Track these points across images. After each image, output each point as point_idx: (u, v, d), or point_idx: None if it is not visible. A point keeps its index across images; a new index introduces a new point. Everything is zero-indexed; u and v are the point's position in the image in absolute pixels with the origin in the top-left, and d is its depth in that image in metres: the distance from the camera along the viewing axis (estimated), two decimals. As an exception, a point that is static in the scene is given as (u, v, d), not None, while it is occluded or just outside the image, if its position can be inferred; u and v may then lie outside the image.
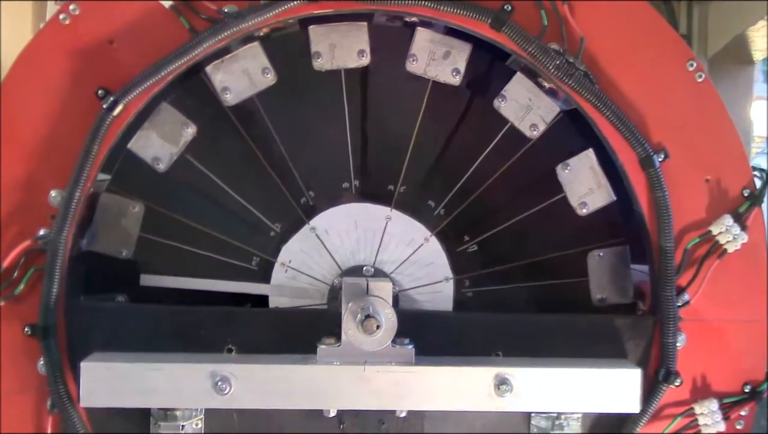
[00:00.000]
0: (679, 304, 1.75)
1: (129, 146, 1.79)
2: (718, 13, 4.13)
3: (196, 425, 1.74)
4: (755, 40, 3.87)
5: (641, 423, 1.75)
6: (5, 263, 1.69)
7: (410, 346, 1.67)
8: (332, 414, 1.74)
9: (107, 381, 1.63)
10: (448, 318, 1.84)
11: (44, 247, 1.69)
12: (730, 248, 1.75)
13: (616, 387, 1.69)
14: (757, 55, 3.94)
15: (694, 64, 1.76)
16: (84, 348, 1.69)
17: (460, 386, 1.66)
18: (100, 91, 1.70)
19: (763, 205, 1.80)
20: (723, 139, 1.78)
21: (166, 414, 1.70)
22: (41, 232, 1.71)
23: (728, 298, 1.78)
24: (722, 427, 1.77)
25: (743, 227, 1.75)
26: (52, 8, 4.08)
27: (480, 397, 1.66)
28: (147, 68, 1.69)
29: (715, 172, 1.78)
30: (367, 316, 1.61)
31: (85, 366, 1.62)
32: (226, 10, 1.70)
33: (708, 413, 1.77)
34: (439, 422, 1.78)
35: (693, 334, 1.78)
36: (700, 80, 1.77)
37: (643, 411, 1.74)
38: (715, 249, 1.76)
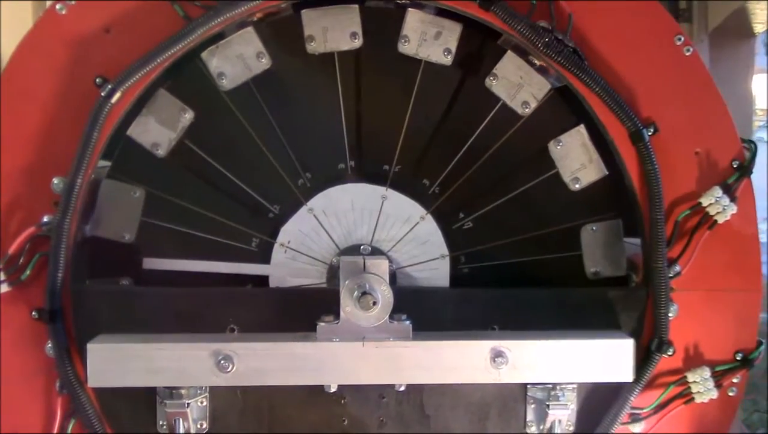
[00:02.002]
0: (671, 275, 1.79)
1: (128, 132, 1.82)
2: (719, -14, 4.11)
3: (201, 403, 1.79)
4: (756, 13, 3.86)
5: (635, 392, 1.79)
6: (11, 250, 1.74)
7: (407, 322, 1.71)
8: (333, 389, 1.79)
9: (113, 362, 1.67)
10: (445, 294, 1.87)
11: (48, 233, 1.73)
12: (720, 219, 1.78)
13: (610, 357, 1.72)
14: (758, 28, 3.92)
15: (682, 39, 1.78)
16: (90, 330, 1.73)
17: (457, 359, 1.70)
18: (98, 80, 1.74)
19: (755, 176, 1.83)
20: (712, 111, 1.80)
21: (172, 392, 1.74)
22: (45, 219, 1.75)
23: (719, 268, 1.82)
24: (715, 394, 1.80)
25: (733, 198, 1.78)
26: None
27: (477, 370, 1.70)
28: (143, 55, 1.72)
29: (705, 144, 1.80)
30: (364, 293, 1.65)
31: (91, 347, 1.67)
32: (219, -4, 1.73)
33: (700, 381, 1.80)
34: (437, 395, 1.82)
35: (685, 304, 1.81)
36: (688, 54, 1.79)
37: (637, 380, 1.77)
38: (706, 220, 1.79)
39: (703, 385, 1.81)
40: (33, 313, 1.75)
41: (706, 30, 4.33)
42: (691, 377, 1.81)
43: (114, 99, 1.72)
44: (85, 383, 1.71)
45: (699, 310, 1.82)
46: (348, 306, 1.68)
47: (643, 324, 1.82)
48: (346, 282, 1.67)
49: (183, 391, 1.75)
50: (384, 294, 1.67)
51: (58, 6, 1.75)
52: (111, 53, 1.75)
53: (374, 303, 1.65)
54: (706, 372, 1.81)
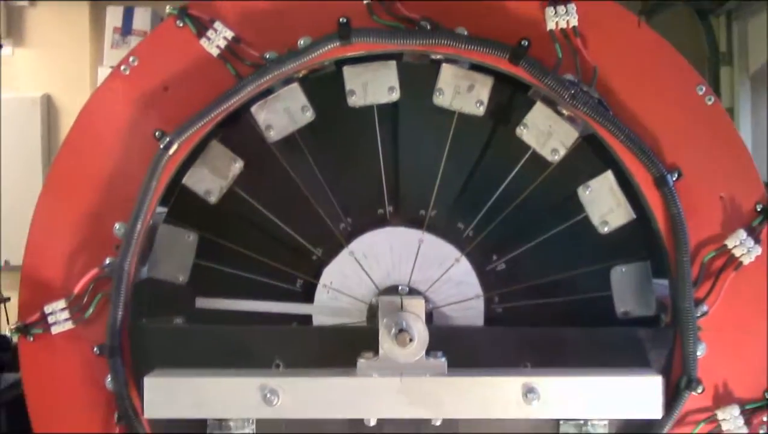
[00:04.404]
0: (698, 315, 1.84)
1: (183, 181, 1.97)
2: (758, 29, 4.16)
3: (249, 434, 1.89)
4: (796, 56, 3.89)
5: (665, 428, 1.83)
6: (76, 290, 1.88)
7: (443, 359, 1.80)
8: (372, 423, 1.87)
9: (168, 395, 1.79)
10: (479, 333, 1.96)
11: (110, 274, 1.88)
12: (746, 261, 1.85)
13: (639, 394, 1.78)
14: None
15: (703, 89, 1.87)
16: (147, 365, 1.86)
17: (491, 395, 1.78)
18: (157, 133, 1.88)
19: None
20: (735, 157, 1.88)
21: (221, 423, 1.86)
22: (107, 261, 1.89)
23: (746, 308, 1.87)
24: (745, 432, 1.84)
25: (757, 240, 1.84)
26: (109, 38, 4.35)
27: (509, 405, 1.77)
28: (199, 111, 1.87)
29: (729, 189, 1.88)
30: (401, 330, 1.75)
31: (148, 381, 1.79)
32: (267, 56, 1.88)
33: (730, 419, 1.85)
34: (472, 429, 1.89)
35: (713, 343, 1.86)
36: (709, 103, 1.87)
37: (667, 416, 1.82)
38: (731, 262, 1.85)
39: (733, 423, 1.85)
40: (95, 349, 1.88)
41: (747, 73, 4.37)
42: (720, 415, 1.86)
43: (171, 151, 1.87)
44: (142, 414, 1.84)
45: (727, 349, 1.87)
46: (386, 343, 1.77)
47: (672, 363, 1.87)
48: (384, 320, 1.77)
49: (231, 423, 1.86)
50: (420, 332, 1.76)
51: (122, 67, 1.92)
52: (169, 109, 1.91)
53: (411, 340, 1.74)
54: (736, 410, 1.86)
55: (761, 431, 1.87)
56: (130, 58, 1.91)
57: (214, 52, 1.89)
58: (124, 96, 1.92)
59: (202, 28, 1.89)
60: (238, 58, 1.89)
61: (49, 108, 4.68)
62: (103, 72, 4.22)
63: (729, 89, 4.46)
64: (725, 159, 1.88)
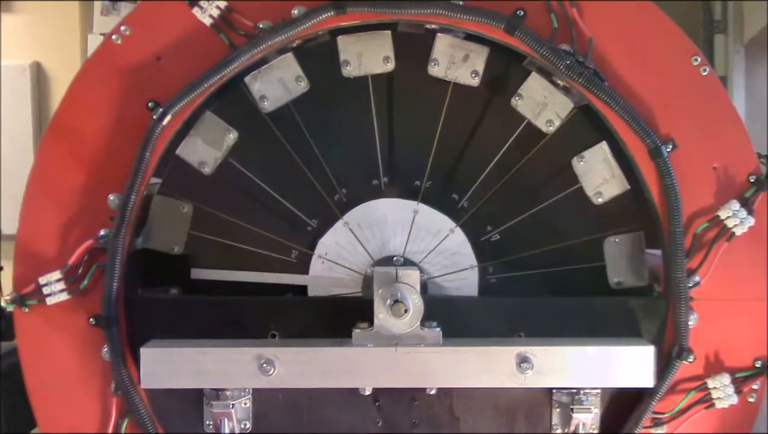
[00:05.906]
0: (690, 285, 1.86)
1: (177, 151, 1.96)
2: (753, -3, 4.12)
3: (245, 404, 1.91)
4: (792, 24, 3.86)
5: (657, 397, 1.86)
6: (71, 261, 1.88)
7: (438, 329, 1.82)
8: (368, 392, 1.90)
9: (164, 365, 1.81)
10: (473, 303, 1.97)
11: (105, 245, 1.87)
12: (738, 231, 1.86)
13: (631, 364, 1.81)
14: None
15: (699, 59, 1.86)
16: (142, 335, 1.87)
17: (485, 364, 1.80)
18: (150, 104, 1.88)
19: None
20: (728, 128, 1.88)
21: (218, 394, 1.87)
22: (102, 232, 1.89)
23: (737, 278, 1.89)
24: (735, 400, 1.87)
25: (750, 211, 1.85)
26: (99, 5, 4.32)
27: (503, 375, 1.80)
28: (192, 81, 1.86)
29: (722, 160, 1.88)
30: (396, 301, 1.76)
31: (144, 351, 1.81)
32: (261, 26, 1.86)
33: (721, 387, 1.88)
34: (467, 398, 1.92)
35: (704, 313, 1.88)
36: (704, 74, 1.87)
37: (659, 385, 1.85)
38: (724, 233, 1.87)
39: (723, 391, 1.88)
40: (90, 320, 1.89)
41: (742, 41, 4.35)
42: (711, 383, 1.89)
43: (165, 121, 1.86)
44: (138, 384, 1.85)
45: (718, 319, 1.89)
46: (381, 313, 1.79)
47: (664, 332, 1.89)
48: (380, 291, 1.79)
49: (228, 393, 1.87)
50: (415, 302, 1.78)
51: (113, 37, 1.89)
52: (162, 79, 1.89)
53: (405, 311, 1.76)
54: (726, 379, 1.88)
55: (751, 399, 1.90)
56: (122, 28, 1.89)
57: (207, 21, 1.87)
58: (116, 66, 1.89)
59: (194, -4, 1.87)
60: (232, 27, 1.87)
61: (39, 76, 4.63)
62: (93, 39, 4.16)
63: (723, 57, 4.46)
64: (719, 130, 1.88)
